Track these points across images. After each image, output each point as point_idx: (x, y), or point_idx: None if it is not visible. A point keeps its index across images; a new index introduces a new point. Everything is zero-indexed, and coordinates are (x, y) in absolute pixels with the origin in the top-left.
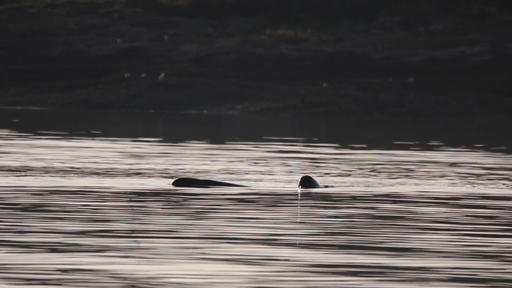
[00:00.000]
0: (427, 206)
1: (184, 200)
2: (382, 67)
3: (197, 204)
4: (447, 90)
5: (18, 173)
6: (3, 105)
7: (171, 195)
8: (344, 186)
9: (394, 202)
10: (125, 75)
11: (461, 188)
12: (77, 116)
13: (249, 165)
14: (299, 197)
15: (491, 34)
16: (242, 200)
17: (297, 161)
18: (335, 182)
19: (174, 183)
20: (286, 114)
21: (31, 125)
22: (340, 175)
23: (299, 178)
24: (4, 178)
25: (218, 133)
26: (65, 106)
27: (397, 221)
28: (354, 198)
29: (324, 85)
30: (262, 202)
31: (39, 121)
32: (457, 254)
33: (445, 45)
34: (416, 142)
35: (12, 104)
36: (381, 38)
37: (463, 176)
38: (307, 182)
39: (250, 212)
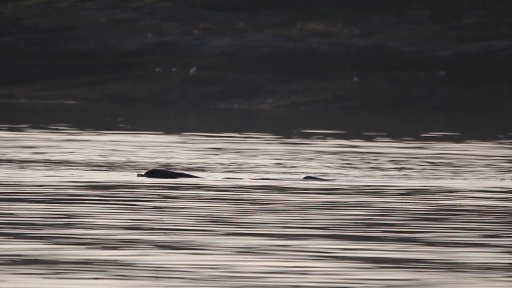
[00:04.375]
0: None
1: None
2: (413, 61)
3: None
4: (477, 84)
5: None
6: (35, 99)
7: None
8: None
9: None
10: (156, 70)
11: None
12: (108, 110)
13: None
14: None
15: None
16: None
17: (310, 154)
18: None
19: (146, 175)
20: (316, 108)
21: (63, 119)
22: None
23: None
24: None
25: (246, 127)
26: (95, 100)
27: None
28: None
29: (355, 79)
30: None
31: (71, 115)
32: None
33: (476, 39)
34: (449, 134)
35: (43, 98)
36: (412, 32)
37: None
38: (311, 177)
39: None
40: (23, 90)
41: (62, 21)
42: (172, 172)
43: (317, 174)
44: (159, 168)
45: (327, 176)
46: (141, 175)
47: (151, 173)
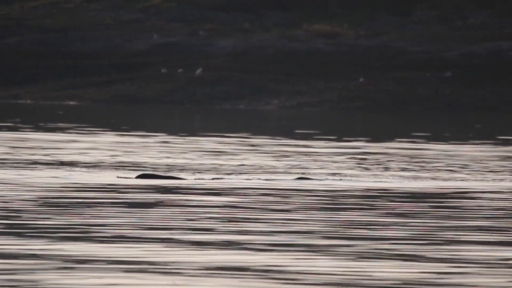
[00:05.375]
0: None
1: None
2: (418, 62)
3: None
4: (484, 84)
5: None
6: (41, 100)
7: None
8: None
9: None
10: (162, 70)
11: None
12: (114, 111)
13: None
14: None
15: None
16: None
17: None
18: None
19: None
20: (322, 109)
21: (69, 120)
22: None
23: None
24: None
25: (252, 128)
26: (102, 101)
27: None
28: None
29: (361, 79)
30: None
31: (76, 116)
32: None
33: (482, 40)
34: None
35: (49, 99)
36: (418, 33)
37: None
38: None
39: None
40: (29, 91)
41: (68, 21)
42: (163, 176)
43: (310, 175)
44: (150, 172)
45: (322, 176)
46: (123, 178)
47: (141, 177)
